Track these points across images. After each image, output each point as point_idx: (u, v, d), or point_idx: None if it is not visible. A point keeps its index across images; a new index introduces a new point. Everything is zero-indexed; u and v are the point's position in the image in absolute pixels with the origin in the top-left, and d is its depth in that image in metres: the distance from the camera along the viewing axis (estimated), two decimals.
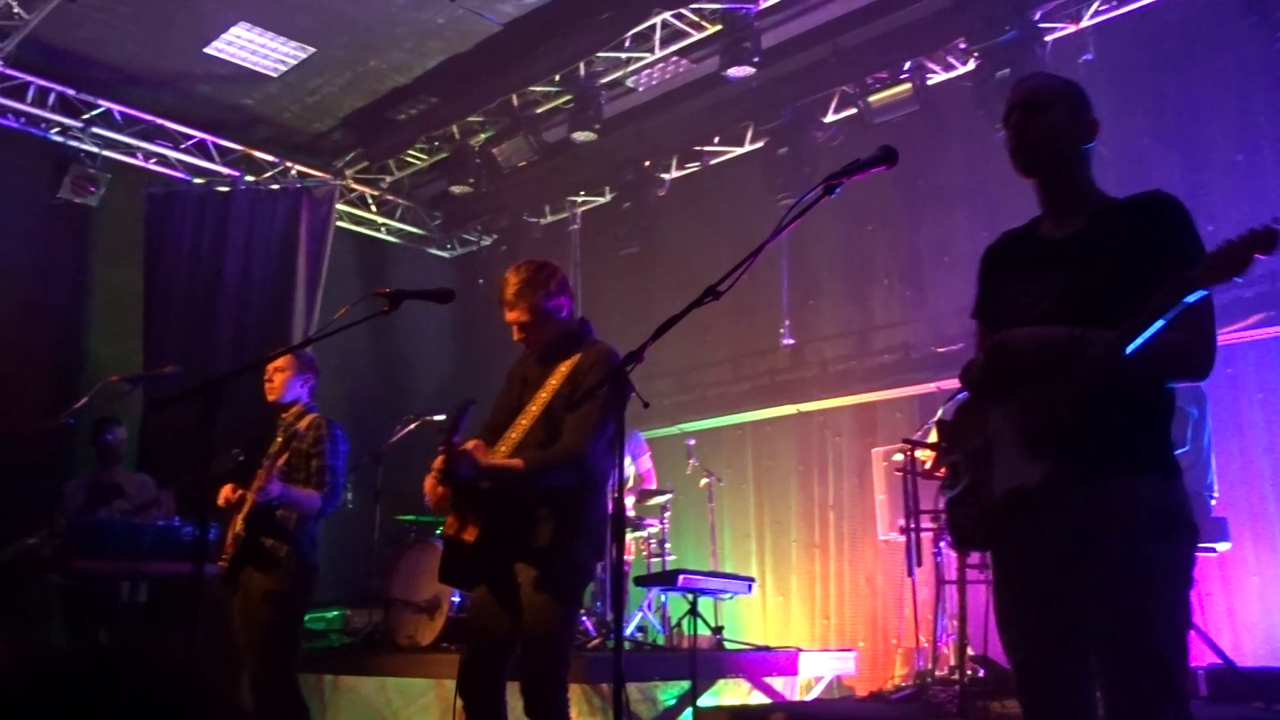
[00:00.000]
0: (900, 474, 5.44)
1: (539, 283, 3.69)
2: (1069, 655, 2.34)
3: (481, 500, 3.46)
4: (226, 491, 4.64)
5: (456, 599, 6.14)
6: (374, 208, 10.08)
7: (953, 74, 7.53)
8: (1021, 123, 2.50)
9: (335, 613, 8.05)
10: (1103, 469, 2.30)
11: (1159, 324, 2.15)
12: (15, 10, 7.19)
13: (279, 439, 4.77)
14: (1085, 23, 6.92)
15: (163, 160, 8.82)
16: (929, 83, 7.53)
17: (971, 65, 7.26)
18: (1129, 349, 2.18)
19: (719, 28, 7.31)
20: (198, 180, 8.92)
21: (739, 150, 8.70)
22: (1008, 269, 2.59)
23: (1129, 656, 2.22)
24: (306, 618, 7.54)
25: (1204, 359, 2.33)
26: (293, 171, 9.29)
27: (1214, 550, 5.21)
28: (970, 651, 5.15)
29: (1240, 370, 6.26)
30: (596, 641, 5.97)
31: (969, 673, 5.04)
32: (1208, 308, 2.29)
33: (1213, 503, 5.22)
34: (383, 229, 10.29)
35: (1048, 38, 6.91)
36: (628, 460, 7.35)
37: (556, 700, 3.46)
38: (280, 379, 4.77)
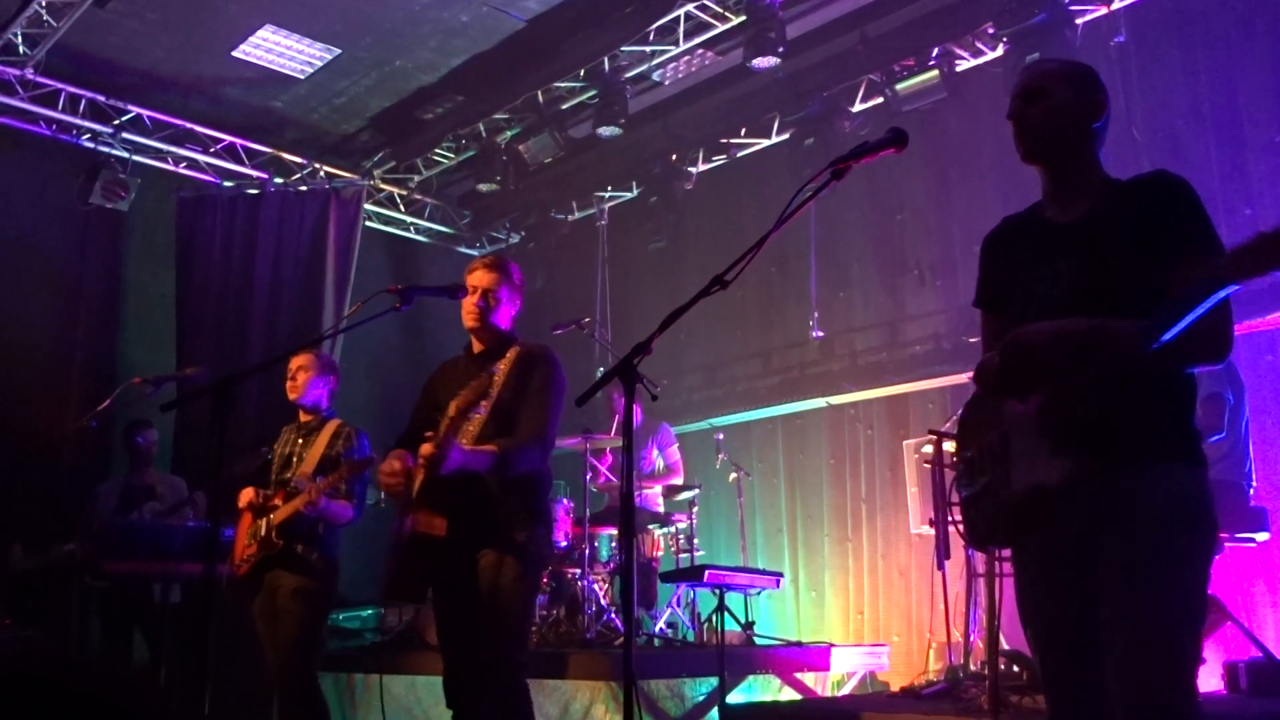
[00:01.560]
0: (929, 466, 5.35)
1: (506, 274, 3.89)
2: (1093, 650, 2.28)
3: (446, 492, 3.53)
4: (249, 495, 4.68)
5: None
6: (403, 207, 10.11)
7: (981, 60, 7.42)
8: (1021, 110, 2.47)
9: (370, 611, 8.09)
10: (1125, 459, 2.25)
11: (1190, 318, 2.04)
12: (45, 18, 7.28)
13: (297, 440, 4.80)
14: (1116, 4, 6.78)
15: (193, 164, 8.89)
16: (957, 69, 7.42)
17: (1000, 51, 7.15)
18: (1156, 344, 2.08)
19: (743, 18, 7.26)
20: (228, 183, 9.00)
21: (766, 142, 8.64)
22: (1015, 255, 2.53)
23: (1135, 646, 2.16)
24: (342, 616, 7.67)
25: (1221, 343, 2.24)
26: (321, 173, 9.34)
27: (1253, 540, 5.07)
28: (1004, 645, 5.06)
29: None
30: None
31: (1000, 667, 4.95)
32: None
33: (1251, 492, 5.09)
34: (412, 228, 10.33)
35: (1078, 20, 6.78)
36: (655, 452, 7.33)
37: (518, 680, 3.58)
38: (304, 378, 4.82)
